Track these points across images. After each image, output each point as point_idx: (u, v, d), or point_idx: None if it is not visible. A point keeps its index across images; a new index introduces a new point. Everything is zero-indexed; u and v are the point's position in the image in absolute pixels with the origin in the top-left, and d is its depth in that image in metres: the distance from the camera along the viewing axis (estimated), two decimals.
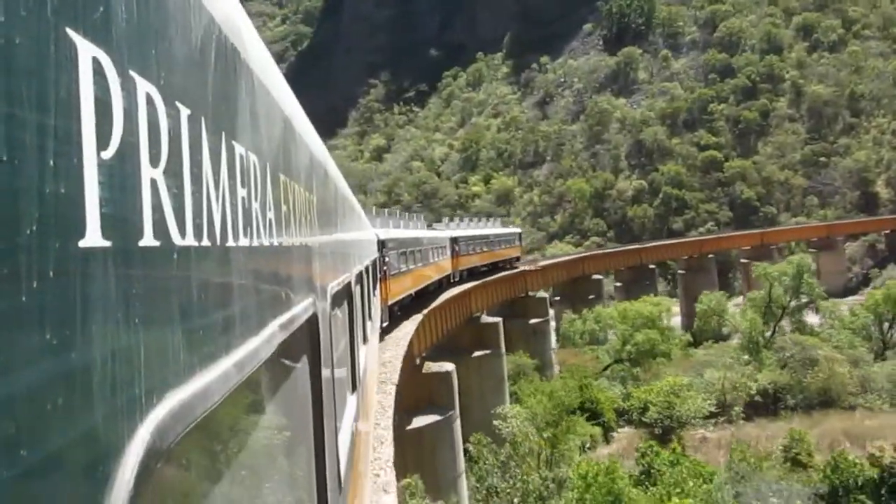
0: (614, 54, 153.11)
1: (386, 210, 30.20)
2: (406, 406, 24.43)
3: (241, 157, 1.53)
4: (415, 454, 23.50)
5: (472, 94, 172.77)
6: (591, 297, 63.55)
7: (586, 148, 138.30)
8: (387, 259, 21.08)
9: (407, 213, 38.30)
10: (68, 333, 0.73)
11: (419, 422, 24.94)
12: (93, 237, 0.78)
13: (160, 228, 0.99)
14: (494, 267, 50.29)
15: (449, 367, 27.54)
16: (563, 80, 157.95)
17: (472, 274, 44.10)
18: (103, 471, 0.79)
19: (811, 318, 57.18)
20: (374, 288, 12.65)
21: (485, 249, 47.08)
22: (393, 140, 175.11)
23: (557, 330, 62.61)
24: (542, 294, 55.18)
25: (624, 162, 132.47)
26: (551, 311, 62.97)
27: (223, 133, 1.38)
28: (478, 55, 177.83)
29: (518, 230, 63.40)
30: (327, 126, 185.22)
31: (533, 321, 51.00)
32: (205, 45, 1.29)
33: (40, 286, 0.68)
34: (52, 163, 0.71)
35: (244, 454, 1.89)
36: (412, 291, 27.66)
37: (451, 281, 38.72)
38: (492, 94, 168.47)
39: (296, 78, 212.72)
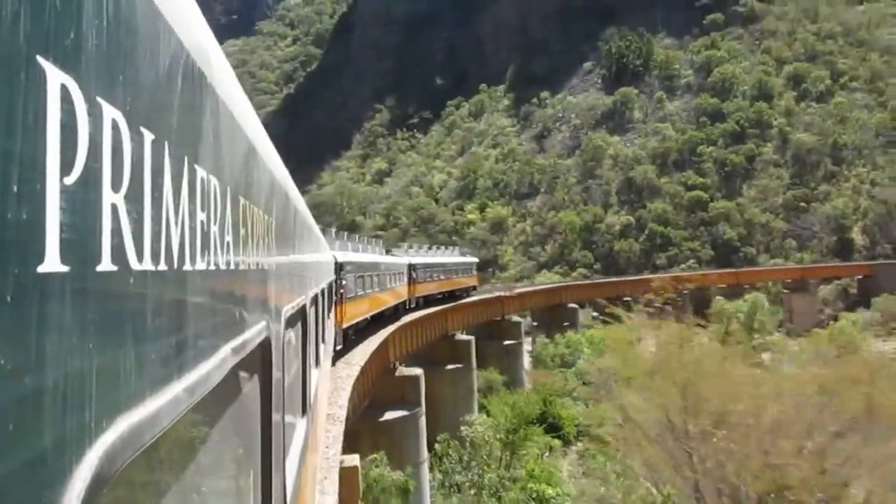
0: (612, 93, 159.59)
1: (346, 234, 29.94)
2: (380, 403, 29.40)
3: (203, 180, 1.54)
4: (386, 442, 28.29)
5: (473, 124, 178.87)
6: (565, 324, 68.27)
7: (579, 182, 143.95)
8: (344, 282, 20.97)
9: (366, 238, 38.63)
10: (23, 358, 0.73)
11: (390, 415, 29.80)
12: (51, 263, 0.78)
13: (118, 253, 0.98)
14: (451, 295, 50.27)
15: (418, 371, 32.43)
16: (561, 115, 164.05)
17: (429, 301, 43.92)
18: (49, 497, 0.77)
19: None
20: (329, 311, 12.73)
21: (442, 277, 47.16)
22: (394, 164, 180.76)
23: (532, 352, 67.53)
24: (516, 318, 60.02)
25: (614, 197, 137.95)
26: (528, 337, 67.84)
27: (186, 157, 1.38)
28: (481, 87, 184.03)
29: (475, 260, 63.95)
30: (332, 147, 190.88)
31: (507, 342, 55.99)
32: (172, 71, 1.31)
33: None
34: (15, 189, 0.71)
35: (191, 479, 1.90)
36: (367, 316, 27.78)
37: (407, 308, 38.71)
38: (492, 125, 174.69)
39: (303, 98, 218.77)
